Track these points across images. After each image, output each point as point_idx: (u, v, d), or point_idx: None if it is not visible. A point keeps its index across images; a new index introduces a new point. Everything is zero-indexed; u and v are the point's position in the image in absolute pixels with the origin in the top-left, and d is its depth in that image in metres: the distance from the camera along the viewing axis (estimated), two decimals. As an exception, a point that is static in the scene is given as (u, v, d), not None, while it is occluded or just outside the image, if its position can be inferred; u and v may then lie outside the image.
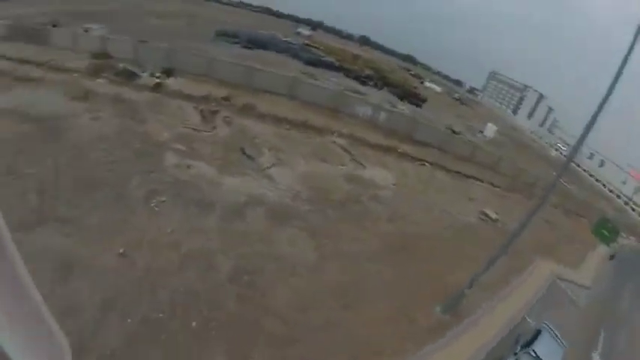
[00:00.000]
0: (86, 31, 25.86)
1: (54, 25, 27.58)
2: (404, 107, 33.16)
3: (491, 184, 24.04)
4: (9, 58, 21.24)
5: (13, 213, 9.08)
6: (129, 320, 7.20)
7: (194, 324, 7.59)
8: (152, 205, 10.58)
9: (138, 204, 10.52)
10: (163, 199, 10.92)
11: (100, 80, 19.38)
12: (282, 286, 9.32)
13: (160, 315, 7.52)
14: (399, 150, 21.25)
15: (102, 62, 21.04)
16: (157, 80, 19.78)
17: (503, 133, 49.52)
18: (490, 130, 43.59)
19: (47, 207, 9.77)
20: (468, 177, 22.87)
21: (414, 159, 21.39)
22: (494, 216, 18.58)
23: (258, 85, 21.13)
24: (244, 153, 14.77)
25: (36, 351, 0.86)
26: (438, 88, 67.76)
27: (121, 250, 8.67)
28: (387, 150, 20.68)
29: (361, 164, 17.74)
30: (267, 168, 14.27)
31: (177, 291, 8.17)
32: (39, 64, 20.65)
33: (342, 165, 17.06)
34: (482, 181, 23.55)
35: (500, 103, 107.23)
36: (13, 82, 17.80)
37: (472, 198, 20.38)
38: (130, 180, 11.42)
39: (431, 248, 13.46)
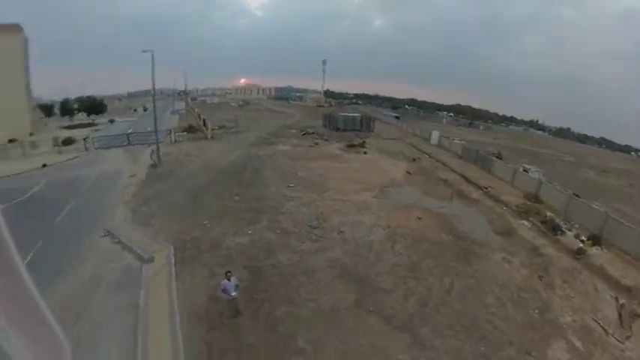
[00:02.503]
0: (525, 170, 27.34)
1: (497, 157, 31.79)
2: None
3: None
4: (457, 173, 26.34)
5: (385, 306, 10.01)
6: None
7: None
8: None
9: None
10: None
11: (524, 222, 18.69)
12: None
13: None
14: None
15: (532, 205, 20.76)
16: (581, 245, 17.01)
17: None
18: None
19: (418, 319, 9.76)
20: None
21: None
22: None
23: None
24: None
25: (36, 351, 0.86)
26: None
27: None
28: None
29: None
30: None
31: None
32: (478, 187, 23.25)
33: None
34: None
35: None
36: (455, 194, 20.97)
37: None
38: (504, 348, 9.46)
39: None
